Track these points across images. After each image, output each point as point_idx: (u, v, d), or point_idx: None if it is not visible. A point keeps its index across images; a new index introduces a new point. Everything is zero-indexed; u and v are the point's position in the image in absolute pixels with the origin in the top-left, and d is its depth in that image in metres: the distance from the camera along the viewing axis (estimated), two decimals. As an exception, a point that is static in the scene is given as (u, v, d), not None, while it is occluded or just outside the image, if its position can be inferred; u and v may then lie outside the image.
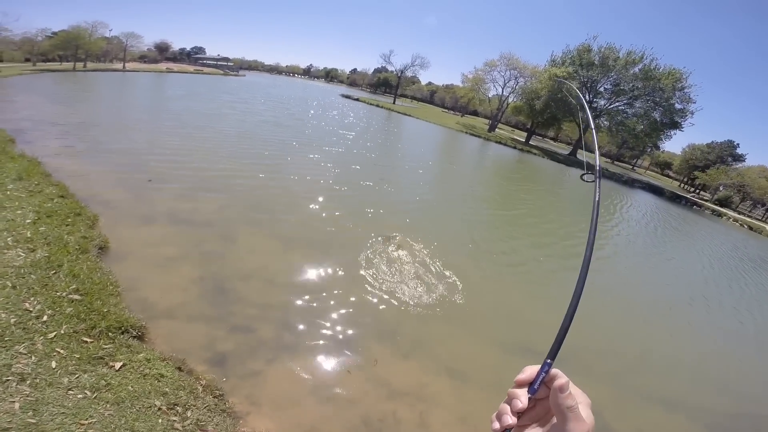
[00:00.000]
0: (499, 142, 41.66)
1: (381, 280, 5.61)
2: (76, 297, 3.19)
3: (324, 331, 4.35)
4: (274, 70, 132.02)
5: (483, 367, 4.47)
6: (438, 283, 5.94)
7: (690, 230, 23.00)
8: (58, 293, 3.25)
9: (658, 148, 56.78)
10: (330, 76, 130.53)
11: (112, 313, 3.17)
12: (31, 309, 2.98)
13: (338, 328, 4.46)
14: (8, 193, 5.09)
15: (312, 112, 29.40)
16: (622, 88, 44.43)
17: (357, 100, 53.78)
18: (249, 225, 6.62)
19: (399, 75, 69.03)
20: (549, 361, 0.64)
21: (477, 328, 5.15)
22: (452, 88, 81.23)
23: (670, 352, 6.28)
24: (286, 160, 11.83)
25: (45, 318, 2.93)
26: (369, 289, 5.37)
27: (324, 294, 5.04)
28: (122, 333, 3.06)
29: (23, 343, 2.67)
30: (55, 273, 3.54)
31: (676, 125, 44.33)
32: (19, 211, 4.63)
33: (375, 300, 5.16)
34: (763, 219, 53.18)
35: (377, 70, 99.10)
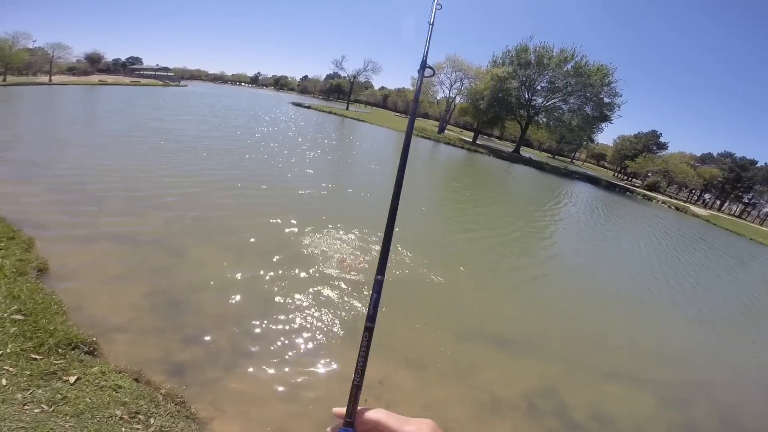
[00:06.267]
0: (449, 143, 43.37)
1: (333, 281, 5.79)
2: (19, 317, 3.10)
3: (282, 335, 4.44)
4: (219, 79, 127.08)
5: (439, 355, 4.75)
6: (388, 275, 6.22)
7: (625, 214, 25.47)
8: (-2, 316, 3.13)
9: (592, 140, 61.57)
10: (279, 83, 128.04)
11: (60, 330, 3.13)
12: (-30, 333, 2.87)
13: (296, 330, 4.57)
14: (-76, 221, 4.69)
15: (258, 122, 28.83)
16: (557, 85, 47.91)
17: (309, 107, 53.21)
18: (196, 239, 6.46)
19: (351, 81, 69.22)
20: (380, 277, 0.66)
21: (429, 319, 5.47)
22: (404, 91, 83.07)
23: (612, 328, 6.96)
24: (231, 173, 11.39)
25: (-13, 340, 2.83)
26: (322, 290, 5.53)
27: (278, 299, 5.13)
28: (73, 349, 3.03)
29: (-33, 364, 2.57)
30: (-8, 297, 3.38)
31: (606, 118, 48.58)
32: (-60, 239, 4.30)
33: (329, 299, 5.32)
34: (688, 200, 60.04)
35: (329, 77, 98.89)
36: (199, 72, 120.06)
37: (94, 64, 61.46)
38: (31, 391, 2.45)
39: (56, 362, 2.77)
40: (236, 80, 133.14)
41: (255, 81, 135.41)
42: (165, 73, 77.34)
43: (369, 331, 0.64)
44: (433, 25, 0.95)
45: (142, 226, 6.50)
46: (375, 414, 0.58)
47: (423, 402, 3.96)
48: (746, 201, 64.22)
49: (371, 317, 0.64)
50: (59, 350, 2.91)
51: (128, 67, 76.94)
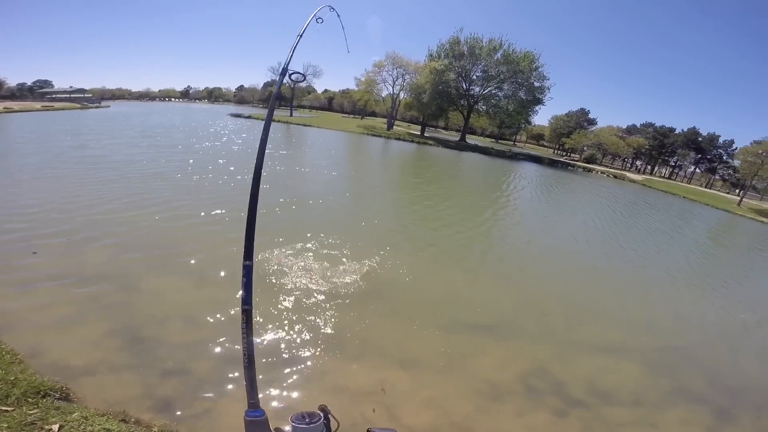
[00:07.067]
0: (399, 139, 44.14)
1: (305, 291, 5.61)
2: (-29, 372, 2.72)
3: (265, 353, 4.23)
4: (146, 96, 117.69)
5: (430, 351, 4.74)
6: (366, 280, 6.15)
7: (575, 188, 27.53)
8: (-56, 375, 2.71)
9: (530, 123, 65.64)
10: (213, 96, 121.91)
11: (22, 379, 2.78)
12: None
13: (280, 346, 4.39)
14: None
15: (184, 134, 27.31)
16: (490, 73, 50.57)
17: (249, 117, 50.94)
18: (148, 270, 5.87)
19: (292, 86, 67.51)
20: (248, 262, 0.68)
21: (414, 316, 5.45)
22: (348, 92, 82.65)
23: (590, 302, 7.25)
24: (172, 197, 10.14)
25: (-58, 401, 2.45)
26: (296, 301, 5.32)
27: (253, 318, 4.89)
28: (43, 397, 2.70)
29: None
30: (-71, 357, 2.92)
31: (538, 101, 52.18)
32: None
33: (307, 311, 5.15)
34: (623, 168, 66.69)
35: (267, 84, 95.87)
36: (121, 91, 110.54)
37: (-7, 91, 54.38)
38: (18, 445, 2.17)
39: (31, 412, 2.47)
40: (165, 96, 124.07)
41: (186, 95, 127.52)
42: (82, 95, 69.93)
43: (246, 313, 0.66)
44: (301, 37, 1.05)
45: (86, 264, 5.81)
46: None
47: (423, 400, 3.92)
48: (672, 164, 72.65)
49: (245, 300, 0.66)
50: (29, 399, 2.59)
51: (37, 92, 68.95)
